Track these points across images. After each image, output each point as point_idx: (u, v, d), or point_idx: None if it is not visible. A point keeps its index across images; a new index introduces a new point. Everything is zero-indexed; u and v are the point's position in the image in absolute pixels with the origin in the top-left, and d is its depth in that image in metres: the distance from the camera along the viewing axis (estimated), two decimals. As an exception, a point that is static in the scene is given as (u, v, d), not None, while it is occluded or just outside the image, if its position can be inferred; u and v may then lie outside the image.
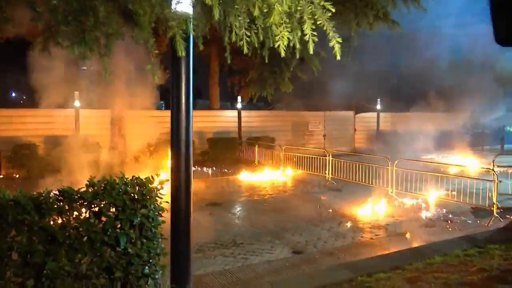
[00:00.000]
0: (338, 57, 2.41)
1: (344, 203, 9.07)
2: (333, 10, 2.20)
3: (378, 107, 20.33)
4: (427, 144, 17.16)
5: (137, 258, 2.59)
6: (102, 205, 2.57)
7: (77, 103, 13.99)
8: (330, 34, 2.31)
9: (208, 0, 2.06)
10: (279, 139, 17.54)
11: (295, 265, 5.60)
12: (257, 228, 7.43)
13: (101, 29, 2.63)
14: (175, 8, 2.26)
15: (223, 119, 18.07)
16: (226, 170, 14.13)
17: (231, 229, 7.42)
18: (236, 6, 2.19)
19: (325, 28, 2.28)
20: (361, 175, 10.76)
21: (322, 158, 12.24)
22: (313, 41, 2.32)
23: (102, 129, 15.11)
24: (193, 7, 2.31)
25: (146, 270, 2.66)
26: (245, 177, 12.96)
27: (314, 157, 12.72)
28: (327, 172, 11.86)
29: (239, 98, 17.47)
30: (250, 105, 19.89)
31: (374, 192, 9.51)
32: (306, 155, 13.25)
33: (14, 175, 12.78)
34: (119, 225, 2.59)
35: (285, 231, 7.22)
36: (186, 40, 2.47)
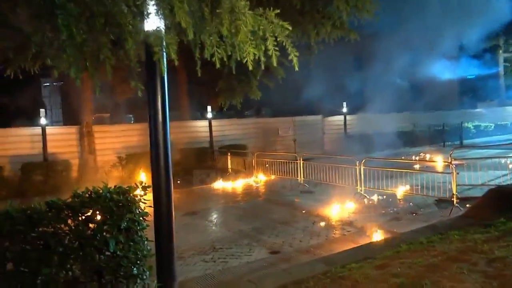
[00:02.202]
0: (297, 68, 2.74)
1: (316, 203, 9.43)
2: (290, 29, 2.53)
3: (344, 110, 21.10)
4: (392, 142, 17.99)
5: (126, 260, 2.77)
6: (90, 213, 2.74)
7: (43, 121, 13.78)
8: (289, 49, 2.64)
9: (183, 24, 2.32)
10: (250, 146, 17.81)
11: (273, 264, 5.85)
12: (235, 233, 7.64)
13: (100, 55, 2.85)
14: (153, 31, 2.50)
15: (194, 129, 18.17)
16: (200, 180, 14.23)
17: (209, 235, 7.59)
18: (207, 28, 2.47)
19: (284, 43, 2.60)
20: (331, 176, 11.18)
21: (294, 162, 12.60)
22: (276, 55, 2.62)
23: (70, 146, 14.93)
24: (168, 28, 2.56)
25: (135, 271, 2.84)
26: (220, 185, 13.14)
27: (286, 162, 13.06)
28: (299, 175, 12.23)
29: (209, 108, 17.63)
30: (220, 114, 20.09)
31: (344, 191, 9.94)
32: (278, 160, 13.60)
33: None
34: (107, 230, 2.76)
35: (262, 233, 7.47)
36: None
